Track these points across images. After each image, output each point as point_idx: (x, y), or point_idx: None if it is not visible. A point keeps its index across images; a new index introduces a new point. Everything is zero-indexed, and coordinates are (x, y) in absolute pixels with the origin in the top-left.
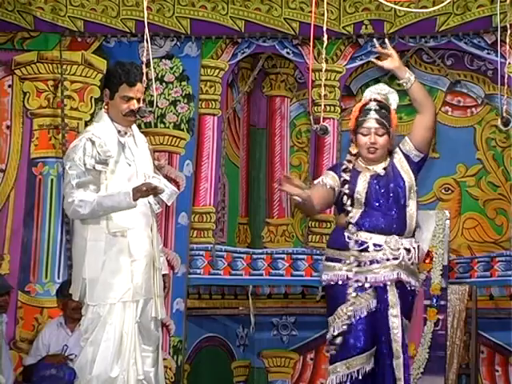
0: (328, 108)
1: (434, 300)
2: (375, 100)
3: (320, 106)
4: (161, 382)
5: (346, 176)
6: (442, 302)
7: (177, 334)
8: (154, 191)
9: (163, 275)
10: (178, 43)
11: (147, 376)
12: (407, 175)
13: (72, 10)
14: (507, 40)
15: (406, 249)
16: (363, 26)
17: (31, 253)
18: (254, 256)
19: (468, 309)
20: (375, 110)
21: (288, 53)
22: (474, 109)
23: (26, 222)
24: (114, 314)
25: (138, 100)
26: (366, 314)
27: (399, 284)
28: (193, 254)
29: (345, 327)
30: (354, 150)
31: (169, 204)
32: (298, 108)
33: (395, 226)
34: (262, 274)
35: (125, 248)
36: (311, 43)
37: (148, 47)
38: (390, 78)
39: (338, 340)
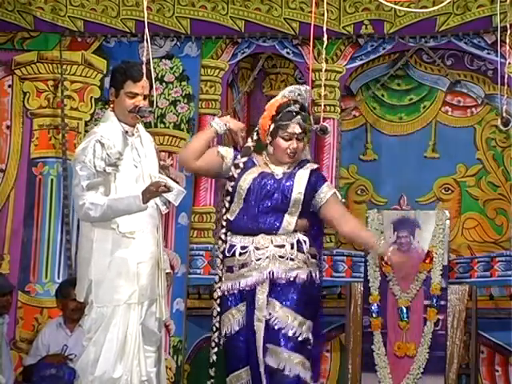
0: (328, 108)
1: (434, 300)
2: (296, 102)
3: (320, 105)
4: (162, 381)
5: (236, 170)
6: (442, 302)
7: (177, 333)
8: (163, 189)
9: (166, 273)
10: (178, 43)
11: (149, 376)
12: (297, 191)
13: (72, 10)
14: (507, 40)
15: (278, 246)
16: (363, 26)
17: (31, 253)
18: None
19: (468, 309)
20: (298, 113)
21: (288, 53)
22: (474, 109)
23: (26, 221)
24: (119, 315)
25: (144, 97)
26: (237, 329)
27: (281, 281)
28: (193, 253)
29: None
30: (270, 150)
31: (176, 204)
32: None
33: (265, 226)
34: None
35: (131, 250)
36: (311, 43)
37: (148, 47)
38: (390, 77)
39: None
